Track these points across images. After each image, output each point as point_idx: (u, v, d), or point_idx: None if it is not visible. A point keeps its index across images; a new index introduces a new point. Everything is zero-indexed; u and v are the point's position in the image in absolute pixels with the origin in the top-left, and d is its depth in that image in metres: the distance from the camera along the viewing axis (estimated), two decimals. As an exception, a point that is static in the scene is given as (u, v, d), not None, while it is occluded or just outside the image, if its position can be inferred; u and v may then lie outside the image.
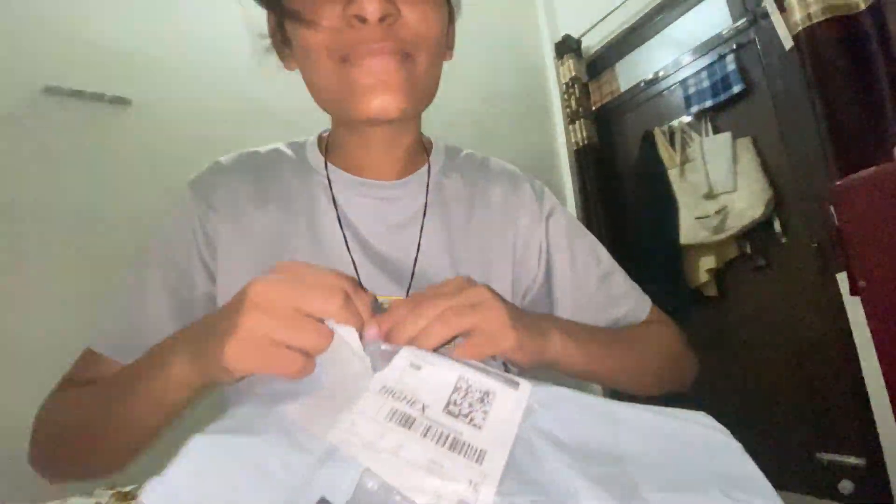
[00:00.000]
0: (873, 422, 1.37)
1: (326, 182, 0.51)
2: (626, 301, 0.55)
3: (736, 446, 0.28)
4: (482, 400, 0.28)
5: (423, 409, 0.28)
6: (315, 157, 0.53)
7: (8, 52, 1.18)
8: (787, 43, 1.37)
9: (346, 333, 0.30)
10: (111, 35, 1.30)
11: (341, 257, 0.48)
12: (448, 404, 0.28)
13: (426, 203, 0.52)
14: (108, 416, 0.39)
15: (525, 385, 0.29)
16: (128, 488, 0.50)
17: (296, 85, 0.48)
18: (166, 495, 0.22)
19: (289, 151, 0.54)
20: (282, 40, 0.47)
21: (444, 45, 0.46)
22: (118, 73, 1.30)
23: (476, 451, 0.26)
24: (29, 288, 1.13)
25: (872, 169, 1.01)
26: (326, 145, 0.55)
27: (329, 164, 0.53)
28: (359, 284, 0.33)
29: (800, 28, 1.29)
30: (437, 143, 0.59)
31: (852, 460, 1.45)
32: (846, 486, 1.45)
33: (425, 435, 0.26)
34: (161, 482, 0.23)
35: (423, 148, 0.57)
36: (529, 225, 0.55)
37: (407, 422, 0.27)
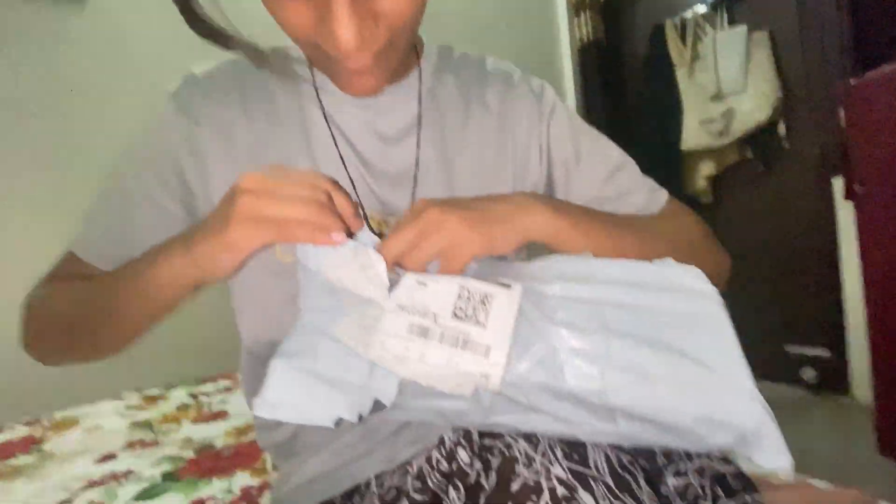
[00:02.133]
0: (842, 318, 1.48)
1: (315, 93, 0.48)
2: (637, 195, 0.54)
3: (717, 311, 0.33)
4: (483, 302, 0.32)
5: (435, 318, 0.32)
6: (301, 67, 0.48)
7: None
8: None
9: (376, 260, 0.34)
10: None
11: (338, 175, 0.46)
12: (455, 310, 0.32)
13: (420, 113, 0.49)
14: (100, 310, 0.42)
15: (517, 286, 0.33)
16: (154, 391, 0.53)
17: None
18: (270, 407, 0.30)
19: (272, 59, 0.49)
20: None
21: None
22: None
23: (483, 346, 0.31)
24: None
25: (893, 66, 0.96)
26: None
27: (316, 71, 0.48)
28: (338, 185, 0.36)
29: None
30: (429, 44, 0.53)
31: (818, 352, 1.58)
32: (809, 373, 1.59)
33: (441, 340, 0.31)
34: (263, 400, 0.30)
35: (414, 50, 0.51)
36: (528, 127, 0.53)
37: (424, 332, 0.32)
